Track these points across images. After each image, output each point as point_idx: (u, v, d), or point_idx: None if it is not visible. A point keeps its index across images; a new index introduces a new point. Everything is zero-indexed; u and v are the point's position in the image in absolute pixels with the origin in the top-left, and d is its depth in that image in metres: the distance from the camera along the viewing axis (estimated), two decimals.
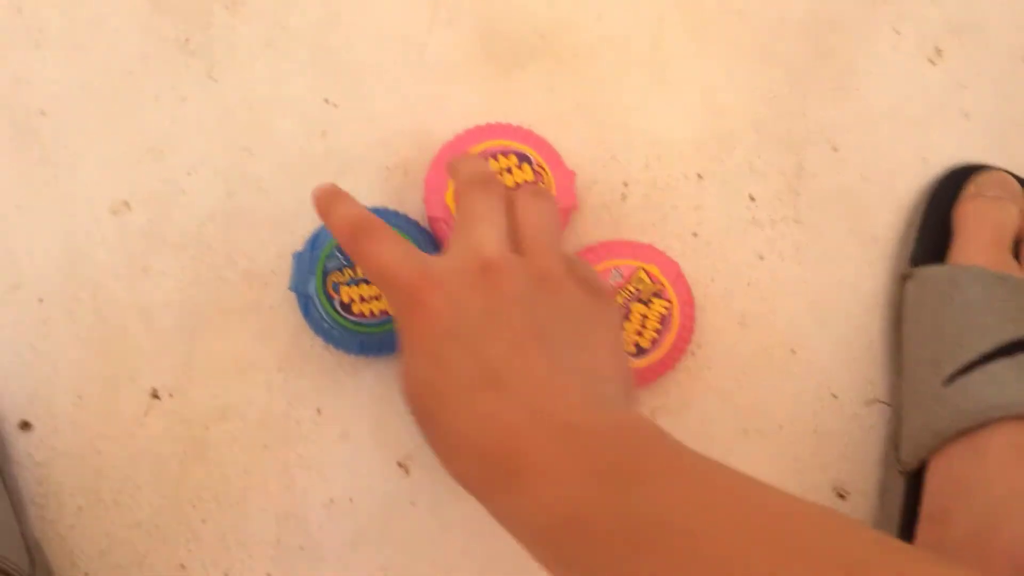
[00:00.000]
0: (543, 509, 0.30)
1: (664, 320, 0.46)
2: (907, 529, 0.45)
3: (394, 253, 0.35)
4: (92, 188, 0.48)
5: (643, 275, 0.46)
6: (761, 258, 0.50)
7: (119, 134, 0.49)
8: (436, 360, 0.33)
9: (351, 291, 0.46)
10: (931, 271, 0.47)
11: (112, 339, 0.47)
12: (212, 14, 0.50)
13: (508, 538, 0.45)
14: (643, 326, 0.46)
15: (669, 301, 0.46)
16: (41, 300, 0.47)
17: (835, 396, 0.49)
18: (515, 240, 0.37)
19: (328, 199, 0.38)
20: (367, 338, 0.45)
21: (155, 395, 0.47)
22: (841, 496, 0.48)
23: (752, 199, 0.50)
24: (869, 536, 0.27)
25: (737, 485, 0.29)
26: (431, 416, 0.33)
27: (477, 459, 0.31)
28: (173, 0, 0.50)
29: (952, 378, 0.44)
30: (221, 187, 0.49)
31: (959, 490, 0.42)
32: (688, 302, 0.47)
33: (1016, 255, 0.47)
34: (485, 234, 0.36)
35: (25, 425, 0.47)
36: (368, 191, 0.49)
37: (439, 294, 0.34)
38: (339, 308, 0.45)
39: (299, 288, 0.45)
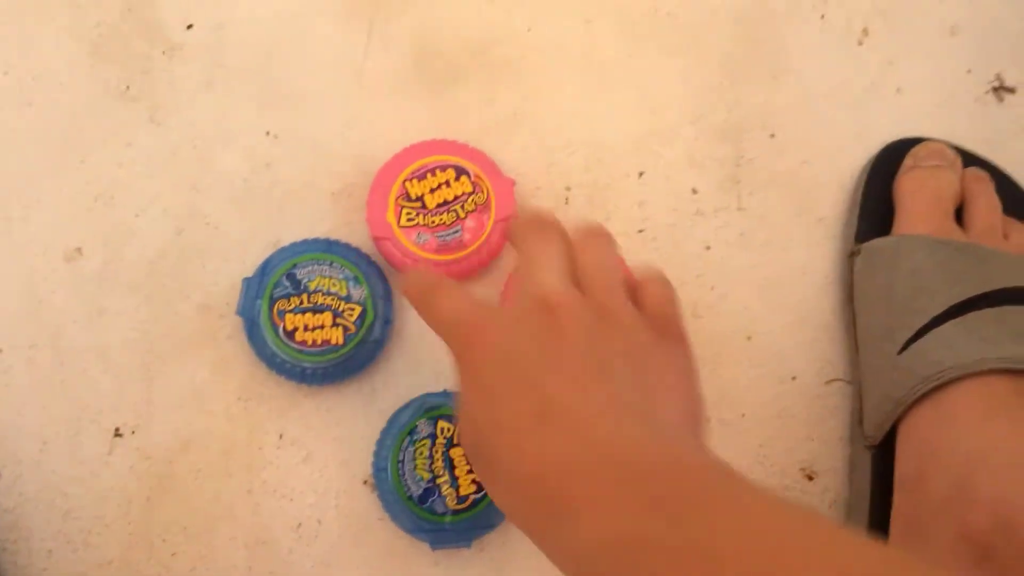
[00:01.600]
0: (592, 540, 0.29)
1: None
2: (878, 503, 0.45)
3: (459, 302, 0.35)
4: (45, 237, 0.49)
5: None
6: (708, 248, 0.50)
7: (69, 182, 0.50)
8: (491, 395, 0.33)
9: (296, 319, 0.46)
10: (876, 244, 0.47)
11: (72, 382, 0.48)
12: (151, 59, 0.51)
13: (476, 546, 0.45)
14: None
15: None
16: (0, 351, 0.48)
17: (795, 378, 0.49)
18: (576, 279, 0.37)
19: (408, 275, 0.39)
20: (309, 367, 0.46)
21: (118, 433, 0.48)
22: (809, 478, 0.48)
23: (694, 191, 0.51)
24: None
25: (798, 523, 0.28)
26: (485, 451, 0.33)
27: (529, 493, 0.31)
28: (112, 49, 0.51)
29: (906, 345, 0.44)
30: (171, 225, 0.50)
31: (930, 452, 0.42)
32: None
33: (959, 221, 0.47)
34: (545, 276, 0.35)
35: None
36: (315, 218, 0.50)
37: (495, 329, 0.34)
38: (283, 335, 0.46)
39: (245, 313, 0.46)
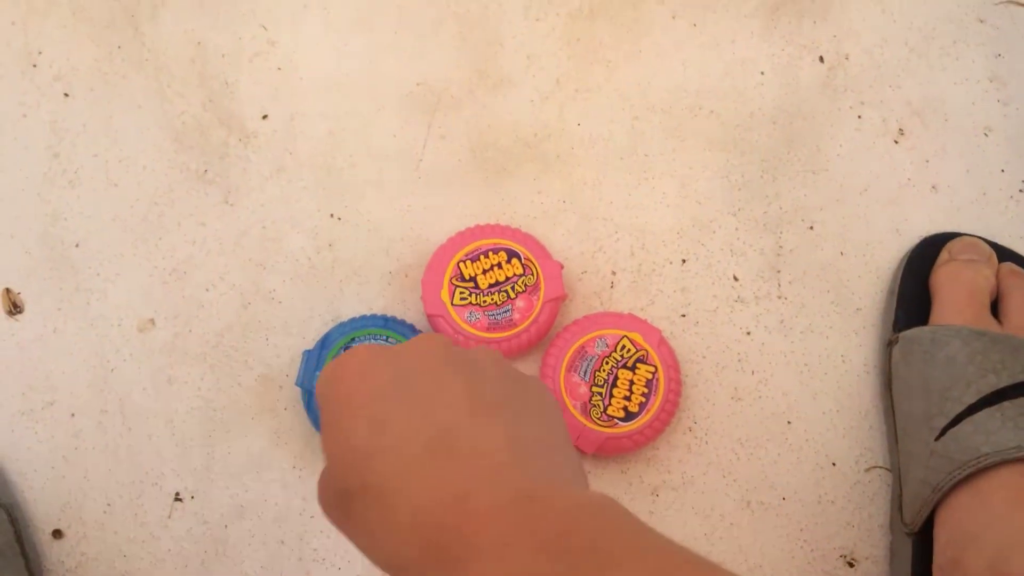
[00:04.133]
0: None
1: (650, 384, 0.48)
2: None
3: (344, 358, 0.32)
4: (121, 309, 0.53)
5: (627, 342, 0.49)
6: (748, 334, 0.52)
7: (146, 258, 0.53)
8: (377, 423, 0.29)
9: None
10: (913, 333, 0.49)
11: (138, 447, 0.50)
12: (228, 146, 0.55)
13: None
14: (630, 391, 0.48)
15: (654, 366, 0.48)
16: (73, 415, 0.51)
17: (835, 464, 0.50)
18: None
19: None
20: None
21: (178, 498, 0.50)
22: (851, 564, 0.48)
23: (735, 279, 0.53)
24: None
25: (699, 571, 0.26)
26: (365, 491, 0.29)
27: (413, 536, 0.28)
28: (194, 137, 0.55)
29: (943, 431, 0.45)
30: (237, 300, 0.53)
31: (967, 538, 0.42)
32: (672, 366, 0.49)
33: (995, 313, 0.49)
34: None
35: (57, 533, 0.49)
36: (372, 296, 0.53)
37: (384, 360, 0.31)
38: None
39: (304, 384, 0.48)
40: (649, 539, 0.27)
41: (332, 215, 0.54)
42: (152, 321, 0.52)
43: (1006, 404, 0.44)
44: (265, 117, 0.56)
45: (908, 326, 0.49)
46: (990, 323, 0.48)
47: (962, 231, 0.52)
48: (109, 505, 0.50)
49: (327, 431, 0.31)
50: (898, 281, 0.51)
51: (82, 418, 0.51)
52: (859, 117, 0.55)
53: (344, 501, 0.30)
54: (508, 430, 0.30)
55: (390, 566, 0.29)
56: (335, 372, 0.31)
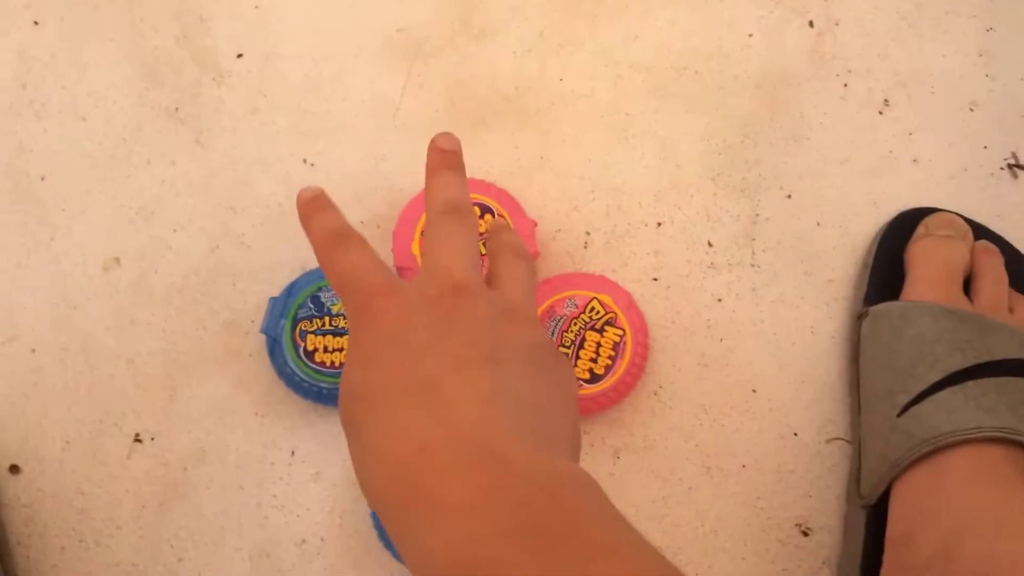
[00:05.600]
0: (445, 546, 0.26)
1: (617, 347, 0.48)
2: (870, 562, 0.45)
3: (362, 261, 0.34)
4: (86, 247, 0.52)
5: (596, 304, 0.48)
6: (719, 301, 0.52)
7: (113, 196, 0.52)
8: (371, 363, 0.31)
9: (317, 340, 0.48)
10: (884, 308, 0.48)
11: (99, 387, 0.50)
12: (201, 85, 0.54)
13: None
14: (597, 353, 0.48)
15: (622, 329, 0.48)
16: (34, 351, 0.50)
17: (796, 435, 0.50)
18: (489, 279, 0.37)
19: (312, 206, 0.37)
20: (327, 387, 0.48)
21: (138, 439, 0.49)
22: (805, 533, 0.49)
23: (710, 245, 0.52)
24: None
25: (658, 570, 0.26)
26: (354, 422, 0.31)
27: (391, 474, 0.28)
28: (166, 73, 0.54)
29: (905, 408, 0.45)
30: (205, 243, 0.52)
31: (921, 514, 0.43)
32: (641, 329, 0.48)
33: (967, 290, 0.49)
34: (455, 259, 0.34)
35: (14, 469, 0.49)
36: None
37: (394, 301, 0.33)
38: (303, 355, 0.48)
39: (269, 331, 0.48)
40: (624, 532, 0.26)
41: (305, 160, 0.53)
42: (117, 260, 0.52)
43: (970, 384, 0.44)
44: (240, 56, 0.54)
45: (880, 300, 0.49)
46: (962, 301, 0.47)
47: (940, 207, 0.51)
48: (68, 443, 0.49)
49: (347, 360, 0.33)
50: (872, 254, 0.51)
51: (43, 355, 0.50)
52: (845, 86, 0.54)
53: (343, 426, 0.32)
54: (496, 385, 0.30)
55: (373, 501, 0.30)
56: (370, 301, 0.33)
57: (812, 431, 0.50)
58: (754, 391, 0.51)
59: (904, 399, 0.45)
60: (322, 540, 0.48)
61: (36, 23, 0.54)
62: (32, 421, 0.50)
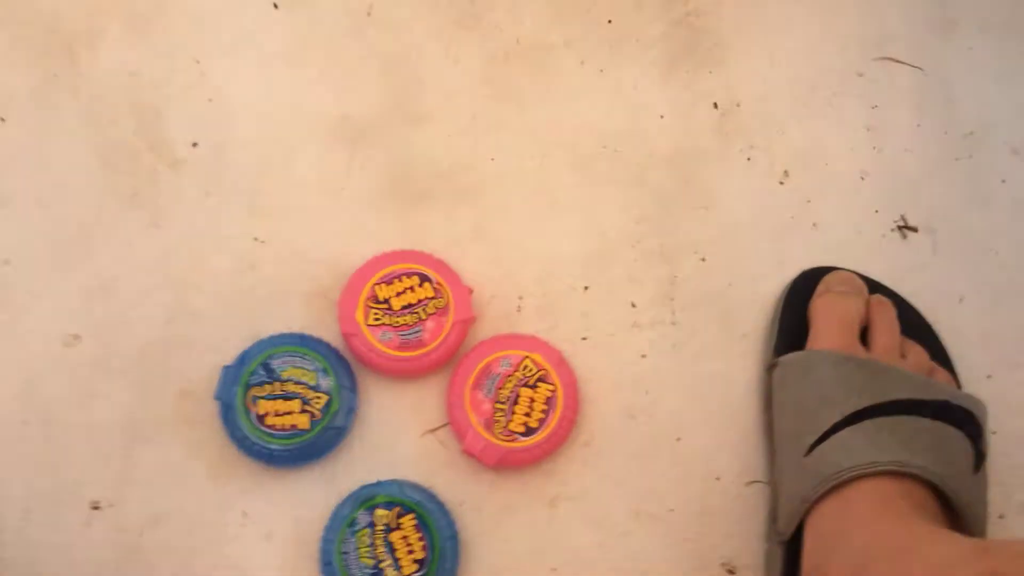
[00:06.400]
0: None
1: (550, 401, 0.52)
2: None
3: None
4: (47, 324, 0.55)
5: (529, 362, 0.52)
6: (644, 356, 0.56)
7: (73, 276, 0.56)
8: None
9: (268, 404, 0.51)
10: (790, 358, 0.53)
11: (58, 457, 0.52)
12: (157, 172, 0.58)
13: None
14: (531, 408, 0.52)
15: (553, 384, 0.52)
16: None
17: (718, 479, 0.54)
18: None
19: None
20: (277, 450, 0.51)
21: (95, 506, 0.52)
22: (731, 572, 0.52)
23: (633, 305, 0.57)
24: None
25: None
26: None
27: None
28: (123, 162, 0.58)
29: (811, 448, 0.49)
30: (161, 316, 0.55)
31: (829, 545, 0.46)
32: (571, 384, 0.52)
33: (864, 341, 0.53)
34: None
35: None
36: (291, 316, 0.55)
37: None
38: (255, 419, 0.51)
39: (222, 397, 0.51)
40: None
41: (256, 239, 0.57)
42: (77, 336, 0.55)
43: (866, 423, 0.48)
44: (195, 145, 0.59)
45: (787, 351, 0.54)
46: (858, 349, 0.52)
47: (838, 265, 0.57)
48: (27, 512, 0.51)
49: None
50: (779, 310, 0.56)
51: (4, 427, 0.53)
52: (748, 160, 0.60)
53: None
54: None
55: None
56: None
57: (733, 475, 0.54)
58: (678, 439, 0.54)
59: (810, 439, 0.49)
60: None
61: (2, 119, 0.58)
62: None
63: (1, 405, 0.53)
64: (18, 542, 0.51)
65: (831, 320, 0.53)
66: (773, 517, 0.52)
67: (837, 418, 0.49)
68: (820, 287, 0.55)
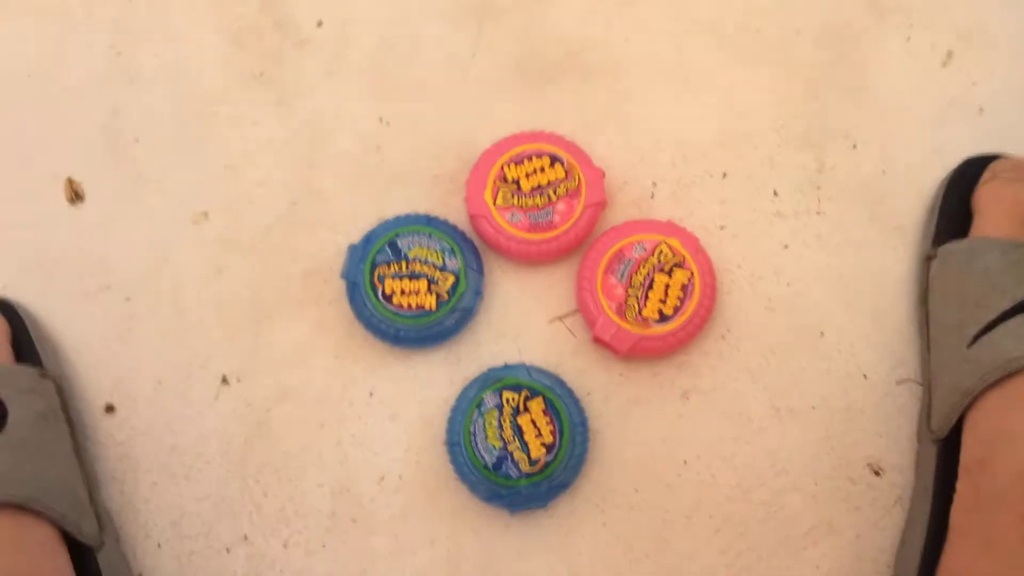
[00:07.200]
0: None
1: (685, 288, 0.49)
2: (941, 494, 0.45)
3: None
4: (177, 202, 0.55)
5: (665, 248, 0.50)
6: (786, 247, 0.52)
7: (201, 155, 0.55)
8: None
9: (394, 283, 0.50)
10: (952, 247, 0.49)
11: (188, 332, 0.52)
12: (283, 50, 0.57)
13: (545, 511, 0.47)
14: (666, 295, 0.49)
15: (690, 271, 0.49)
16: (128, 299, 0.53)
17: (866, 376, 0.50)
18: None
19: None
20: (403, 329, 0.49)
21: (224, 380, 0.52)
22: (876, 473, 0.49)
23: (775, 193, 0.53)
24: None
25: None
26: None
27: None
28: (250, 40, 0.57)
29: (976, 338, 0.45)
30: (286, 197, 0.54)
31: (996, 438, 0.43)
32: (709, 272, 0.50)
33: None
34: None
35: (109, 408, 0.52)
36: (417, 198, 0.54)
37: None
38: (381, 297, 0.50)
39: (349, 276, 0.50)
40: None
41: (381, 119, 0.55)
42: (205, 214, 0.54)
43: None
44: (320, 23, 0.57)
45: (947, 242, 0.50)
46: None
47: (1005, 152, 0.52)
48: (159, 383, 0.52)
49: None
50: (939, 199, 0.51)
51: (136, 302, 0.53)
52: (908, 39, 0.55)
53: None
54: None
55: None
56: None
57: (882, 372, 0.50)
58: (822, 334, 0.51)
59: (974, 330, 0.45)
60: (400, 477, 0.50)
61: None
62: (126, 364, 0.52)
63: (133, 279, 0.53)
64: (150, 413, 0.51)
65: (999, 207, 0.49)
66: (927, 415, 0.48)
67: (1007, 305, 0.45)
68: (986, 174, 0.51)
